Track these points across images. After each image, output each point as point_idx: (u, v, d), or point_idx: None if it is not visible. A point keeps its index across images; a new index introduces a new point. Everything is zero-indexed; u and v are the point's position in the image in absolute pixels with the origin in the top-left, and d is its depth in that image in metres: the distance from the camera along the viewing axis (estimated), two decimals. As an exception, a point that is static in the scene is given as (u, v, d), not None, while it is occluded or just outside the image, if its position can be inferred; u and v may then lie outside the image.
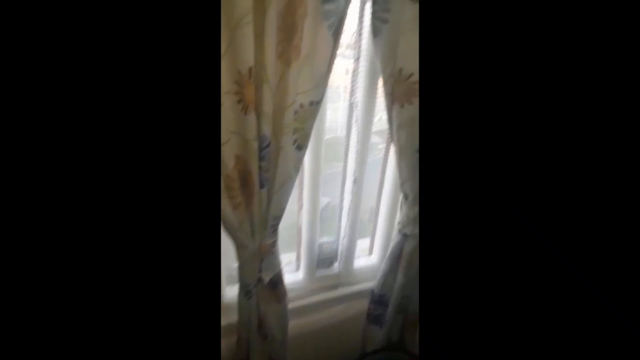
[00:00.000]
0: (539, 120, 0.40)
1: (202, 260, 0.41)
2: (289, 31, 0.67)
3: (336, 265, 1.19)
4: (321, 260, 1.15)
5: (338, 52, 0.74)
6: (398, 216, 1.09)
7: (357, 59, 0.93)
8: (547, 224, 0.41)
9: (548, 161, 0.40)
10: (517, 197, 0.41)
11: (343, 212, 1.12)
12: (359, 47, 0.91)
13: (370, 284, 1.18)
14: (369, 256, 1.28)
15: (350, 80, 0.95)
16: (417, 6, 0.76)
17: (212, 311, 0.42)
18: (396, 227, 1.10)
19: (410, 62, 0.80)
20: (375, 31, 0.79)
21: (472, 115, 0.41)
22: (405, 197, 1.03)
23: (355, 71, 0.94)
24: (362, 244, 1.27)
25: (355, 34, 0.90)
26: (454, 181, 0.42)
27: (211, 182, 0.42)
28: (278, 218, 0.84)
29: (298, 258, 1.14)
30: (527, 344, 0.42)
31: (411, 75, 0.82)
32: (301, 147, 0.79)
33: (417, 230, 1.06)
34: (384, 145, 1.11)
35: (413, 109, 0.86)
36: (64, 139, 0.38)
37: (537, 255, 0.41)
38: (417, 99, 0.84)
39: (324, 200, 1.15)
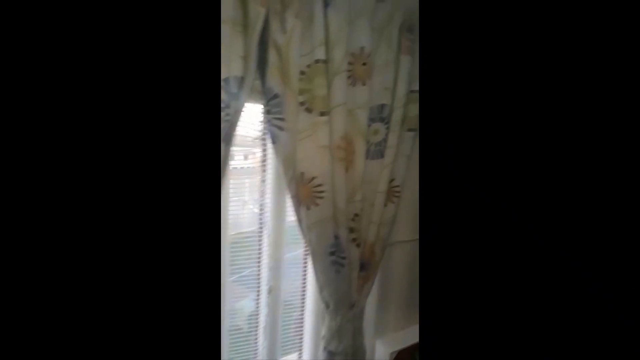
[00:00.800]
0: (541, 125, 0.39)
1: (202, 259, 0.41)
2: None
3: (253, 403, 0.95)
4: (232, 400, 0.92)
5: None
6: (323, 329, 0.96)
7: (263, 162, 0.92)
8: (548, 229, 0.39)
9: (548, 167, 0.39)
10: (517, 200, 0.40)
11: (259, 330, 0.95)
12: (264, 151, 0.91)
13: None
14: (297, 382, 1.07)
15: (258, 184, 0.92)
16: (312, 116, 0.79)
17: (212, 311, 0.42)
18: (321, 343, 0.95)
19: (310, 167, 0.80)
20: (274, 138, 0.80)
21: (472, 117, 0.40)
22: (327, 305, 0.92)
23: (263, 174, 0.93)
24: (289, 365, 1.07)
25: (259, 139, 0.91)
26: (453, 185, 0.41)
27: (211, 184, 0.42)
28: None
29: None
30: (529, 350, 0.40)
31: (313, 179, 0.81)
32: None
33: (343, 346, 0.92)
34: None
35: (319, 211, 0.82)
36: (65, 139, 0.38)
37: (539, 259, 0.40)
38: (323, 200, 0.82)
39: (236, 315, 0.97)
